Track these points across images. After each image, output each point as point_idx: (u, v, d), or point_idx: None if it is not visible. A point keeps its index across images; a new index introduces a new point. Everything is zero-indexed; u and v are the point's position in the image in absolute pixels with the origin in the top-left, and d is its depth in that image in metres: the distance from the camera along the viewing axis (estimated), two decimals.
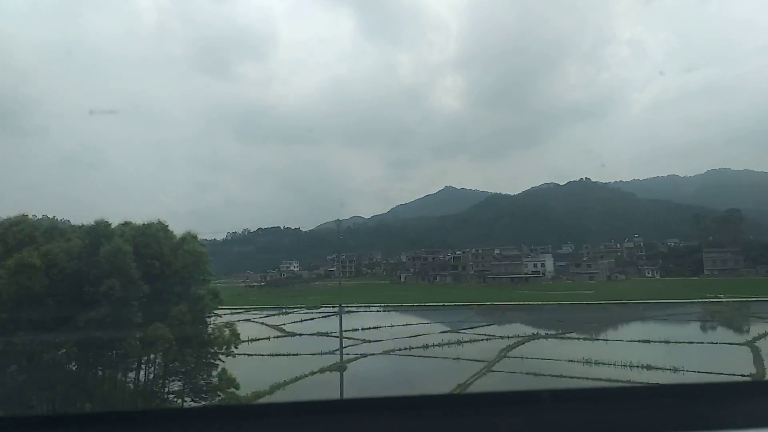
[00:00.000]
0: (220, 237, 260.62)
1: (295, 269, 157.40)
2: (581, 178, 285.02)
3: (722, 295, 60.64)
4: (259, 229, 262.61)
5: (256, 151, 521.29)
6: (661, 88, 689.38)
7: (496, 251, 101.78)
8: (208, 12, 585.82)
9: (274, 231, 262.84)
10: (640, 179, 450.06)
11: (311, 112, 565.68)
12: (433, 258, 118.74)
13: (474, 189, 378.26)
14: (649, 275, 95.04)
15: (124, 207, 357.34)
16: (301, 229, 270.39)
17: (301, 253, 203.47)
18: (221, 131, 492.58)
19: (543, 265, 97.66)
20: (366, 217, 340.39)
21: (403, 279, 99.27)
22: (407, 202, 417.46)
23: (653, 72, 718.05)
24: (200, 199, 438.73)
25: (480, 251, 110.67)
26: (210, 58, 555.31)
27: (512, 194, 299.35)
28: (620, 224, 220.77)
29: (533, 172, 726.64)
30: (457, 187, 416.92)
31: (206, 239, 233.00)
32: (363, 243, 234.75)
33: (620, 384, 20.95)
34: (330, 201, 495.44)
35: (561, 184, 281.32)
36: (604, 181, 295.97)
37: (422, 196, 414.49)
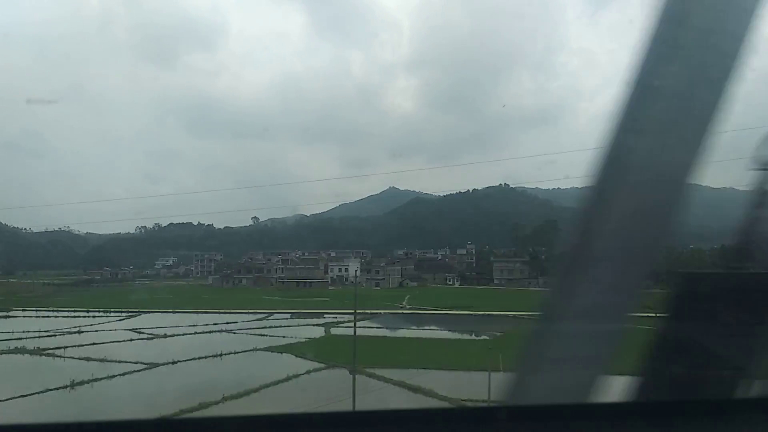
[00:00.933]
0: (132, 230, 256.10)
1: (159, 266, 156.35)
2: (500, 184, 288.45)
3: (406, 304, 62.13)
4: (171, 223, 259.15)
5: (208, 145, 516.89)
6: (609, 97, 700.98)
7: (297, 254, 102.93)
8: None
9: (187, 227, 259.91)
10: (562, 188, 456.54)
11: (265, 107, 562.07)
12: (285, 260, 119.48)
13: (417, 191, 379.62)
14: (450, 283, 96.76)
15: (69, 196, 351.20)
16: (214, 225, 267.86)
17: (209, 249, 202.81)
18: (171, 122, 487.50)
19: (346, 270, 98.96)
20: (307, 215, 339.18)
21: (210, 281, 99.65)
22: (352, 201, 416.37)
23: (602, 82, 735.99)
24: (150, 191, 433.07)
25: (305, 255, 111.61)
26: (156, 46, 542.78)
27: (435, 196, 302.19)
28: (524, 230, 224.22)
29: (488, 176, 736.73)
30: (401, 188, 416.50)
31: (109, 233, 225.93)
32: (278, 242, 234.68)
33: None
34: (282, 198, 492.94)
35: (479, 188, 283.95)
36: (525, 187, 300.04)
37: (366, 195, 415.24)
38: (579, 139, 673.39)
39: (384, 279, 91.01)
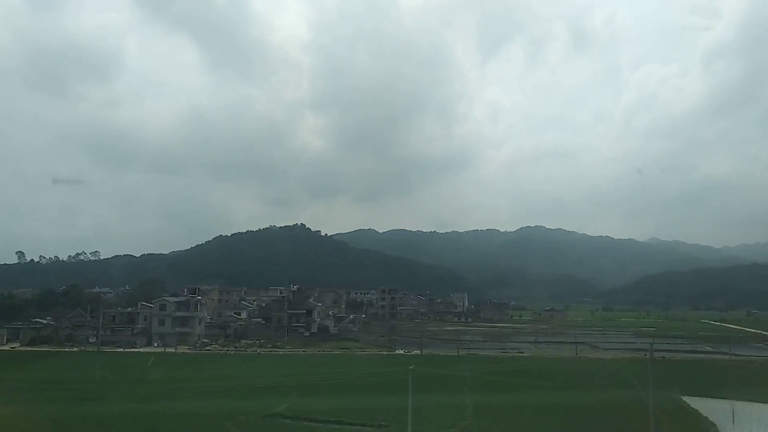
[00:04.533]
0: None
1: None
2: (296, 224, 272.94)
3: None
4: None
5: (120, 177, 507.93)
6: (514, 147, 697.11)
7: None
8: (38, 24, 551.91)
9: None
10: (460, 231, 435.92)
11: (174, 140, 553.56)
12: None
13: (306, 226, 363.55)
14: None
15: None
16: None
17: None
18: (74, 153, 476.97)
19: None
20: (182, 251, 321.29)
21: None
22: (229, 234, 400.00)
23: (507, 131, 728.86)
24: (70, 223, 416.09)
25: None
26: (45, 73, 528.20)
27: (232, 236, 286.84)
28: (292, 270, 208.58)
29: (410, 217, 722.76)
30: (279, 225, 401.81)
31: None
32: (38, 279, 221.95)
33: None
34: (196, 232, 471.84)
35: (278, 226, 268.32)
36: (329, 233, 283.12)
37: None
38: (483, 186, 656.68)
39: None
